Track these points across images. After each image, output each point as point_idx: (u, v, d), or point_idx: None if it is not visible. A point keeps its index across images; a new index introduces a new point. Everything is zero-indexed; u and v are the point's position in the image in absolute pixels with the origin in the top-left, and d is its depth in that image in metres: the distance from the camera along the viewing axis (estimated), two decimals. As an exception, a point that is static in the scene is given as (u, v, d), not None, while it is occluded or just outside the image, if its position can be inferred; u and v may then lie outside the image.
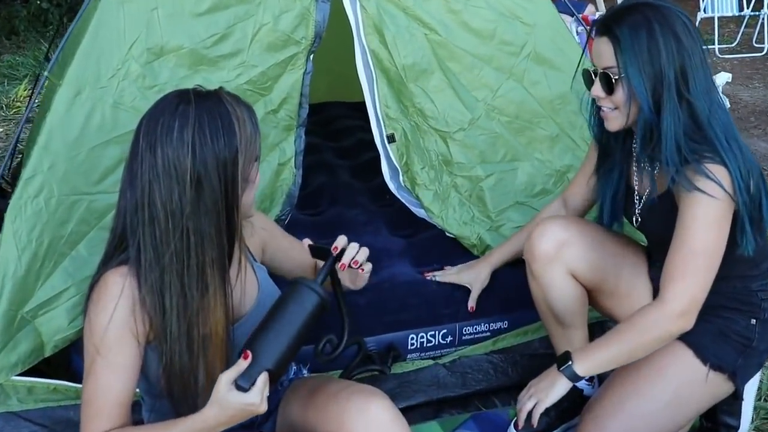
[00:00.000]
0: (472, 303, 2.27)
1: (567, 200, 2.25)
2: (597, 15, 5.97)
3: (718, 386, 1.93)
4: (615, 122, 1.87)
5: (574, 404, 2.13)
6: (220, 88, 1.58)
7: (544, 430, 2.07)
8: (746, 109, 6.09)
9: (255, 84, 2.22)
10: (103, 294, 1.48)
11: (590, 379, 2.18)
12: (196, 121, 1.45)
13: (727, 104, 4.30)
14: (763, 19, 8.24)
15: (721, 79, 3.96)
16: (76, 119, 2.03)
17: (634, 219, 2.02)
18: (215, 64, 2.18)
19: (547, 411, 2.11)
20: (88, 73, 2.06)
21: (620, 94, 1.80)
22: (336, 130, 3.75)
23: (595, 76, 1.84)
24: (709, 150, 1.74)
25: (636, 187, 2.00)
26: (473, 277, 2.32)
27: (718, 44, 8.05)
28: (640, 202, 1.99)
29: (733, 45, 8.31)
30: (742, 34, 8.54)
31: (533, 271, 2.07)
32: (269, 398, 1.59)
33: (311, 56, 2.31)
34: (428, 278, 2.35)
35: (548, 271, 2.04)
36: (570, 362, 1.81)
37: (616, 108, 1.84)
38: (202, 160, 1.44)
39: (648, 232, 2.06)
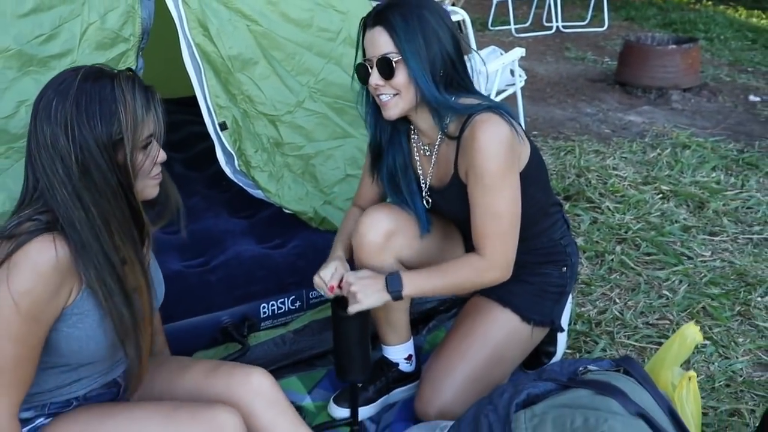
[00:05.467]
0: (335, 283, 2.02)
1: (362, 206, 2.25)
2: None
3: (540, 334, 2.22)
4: (395, 109, 1.93)
5: (390, 381, 2.32)
6: (128, 70, 1.56)
7: (362, 405, 2.23)
8: (542, 81, 6.68)
9: (87, 81, 2.28)
10: (25, 264, 1.43)
11: (408, 358, 2.35)
12: (74, 101, 1.45)
13: (524, 77, 4.72)
14: (550, 0, 9.00)
15: (516, 54, 4.33)
16: None
17: (423, 202, 2.14)
18: (46, 64, 2.20)
19: (365, 387, 2.27)
20: None
21: (400, 76, 1.88)
22: (164, 126, 3.82)
23: (371, 67, 1.91)
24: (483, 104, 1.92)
25: (420, 173, 2.13)
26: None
27: (514, 24, 8.71)
28: (425, 187, 2.12)
29: (526, 24, 9.01)
30: (533, 15, 9.28)
31: (361, 260, 2.11)
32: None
33: (140, 53, 2.40)
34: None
35: (376, 261, 2.09)
36: (399, 286, 1.92)
37: (396, 94, 1.91)
38: (81, 142, 1.45)
39: (445, 214, 2.18)
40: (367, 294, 1.93)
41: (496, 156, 1.86)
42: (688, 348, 1.85)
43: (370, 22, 1.93)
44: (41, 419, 1.67)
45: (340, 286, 1.99)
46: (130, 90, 1.50)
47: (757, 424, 2.16)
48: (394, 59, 1.87)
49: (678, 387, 1.78)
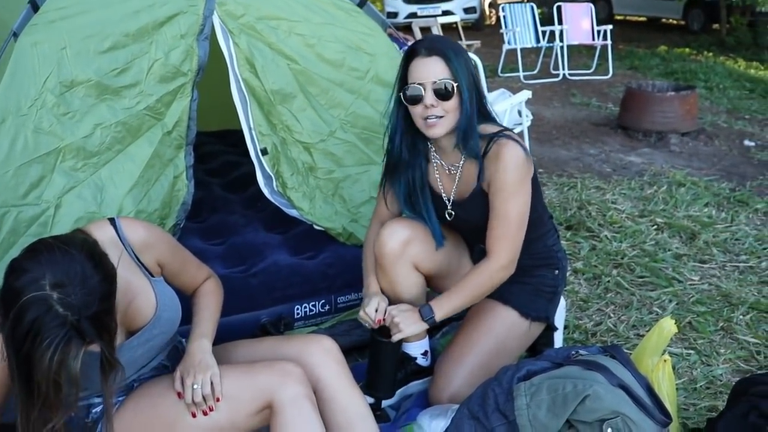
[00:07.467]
0: (381, 317, 2.35)
1: (382, 221, 2.51)
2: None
3: (537, 329, 2.54)
4: (441, 128, 2.21)
5: (409, 373, 2.61)
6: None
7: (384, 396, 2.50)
8: (548, 125, 7.06)
9: (152, 110, 2.63)
10: None
11: (425, 354, 2.64)
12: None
13: (531, 117, 5.09)
14: (556, 50, 9.44)
15: (523, 95, 4.71)
16: (3, 143, 2.37)
17: (446, 215, 2.41)
18: (118, 93, 2.57)
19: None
20: (10, 105, 2.40)
21: (454, 100, 2.18)
22: (202, 154, 4.17)
23: (425, 90, 2.16)
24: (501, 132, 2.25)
25: (441, 191, 2.42)
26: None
27: (523, 71, 9.14)
28: (449, 202, 2.42)
29: (534, 72, 9.44)
30: (541, 63, 9.72)
31: (382, 266, 2.41)
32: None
33: (195, 86, 2.77)
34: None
35: (395, 267, 2.39)
36: (432, 313, 2.28)
37: (441, 116, 2.19)
38: None
39: (463, 224, 2.46)
40: (408, 324, 2.28)
41: (516, 169, 2.21)
42: (665, 338, 2.18)
43: (423, 52, 2.20)
44: (116, 398, 1.98)
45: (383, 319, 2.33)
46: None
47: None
48: (454, 84, 2.17)
49: (655, 369, 2.10)
